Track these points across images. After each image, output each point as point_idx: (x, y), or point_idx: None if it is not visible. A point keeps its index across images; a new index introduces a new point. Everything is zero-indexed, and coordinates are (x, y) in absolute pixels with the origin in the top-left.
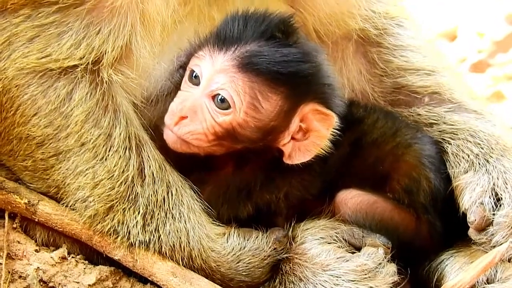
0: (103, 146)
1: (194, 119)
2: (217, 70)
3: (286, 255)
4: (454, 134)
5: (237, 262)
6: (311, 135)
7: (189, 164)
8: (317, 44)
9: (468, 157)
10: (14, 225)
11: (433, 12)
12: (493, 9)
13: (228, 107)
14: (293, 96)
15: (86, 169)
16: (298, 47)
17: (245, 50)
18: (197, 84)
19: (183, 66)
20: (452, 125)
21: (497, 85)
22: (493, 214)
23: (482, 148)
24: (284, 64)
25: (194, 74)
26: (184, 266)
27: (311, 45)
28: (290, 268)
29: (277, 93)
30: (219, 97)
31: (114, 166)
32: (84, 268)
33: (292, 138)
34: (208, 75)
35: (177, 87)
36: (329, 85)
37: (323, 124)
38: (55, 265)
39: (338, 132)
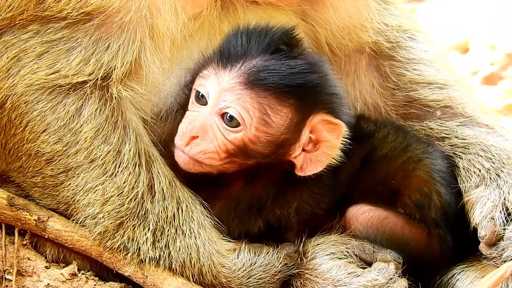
0: (113, 162)
1: (205, 138)
2: (224, 88)
3: (297, 270)
4: (465, 148)
5: (248, 278)
6: (322, 146)
7: (199, 181)
8: (322, 55)
9: (479, 171)
10: (24, 242)
11: (445, 25)
12: (505, 21)
13: (238, 125)
14: (302, 108)
15: (96, 186)
16: (303, 58)
17: (250, 65)
18: (204, 104)
19: (188, 86)
20: (464, 139)
21: (509, 97)
22: (504, 229)
23: (493, 163)
24: (292, 77)
25: (200, 95)
26: (195, 282)
27: (315, 56)
28: (301, 283)
29: (286, 106)
30: (228, 115)
31: (124, 183)
32: (95, 285)
33: (303, 149)
34: (215, 94)
35: (184, 106)
36: (336, 95)
37: (333, 134)
38: (65, 281)
39: (348, 141)
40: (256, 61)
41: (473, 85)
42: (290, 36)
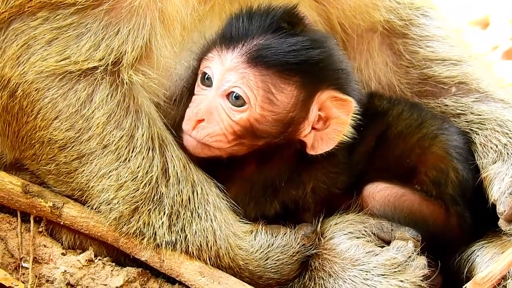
0: (126, 147)
1: (211, 121)
2: (227, 68)
3: (315, 251)
4: (481, 124)
5: (266, 260)
6: (332, 123)
7: (212, 165)
8: (331, 34)
9: (496, 147)
10: (40, 229)
11: (465, 0)
12: None
13: (243, 104)
14: (307, 85)
15: (110, 171)
16: (305, 35)
17: (252, 45)
18: (210, 85)
19: (194, 71)
20: (480, 115)
21: None
22: None
23: (510, 138)
24: (294, 53)
25: (206, 76)
26: (212, 265)
27: (319, 32)
28: (319, 264)
29: (290, 84)
30: (233, 94)
31: (138, 167)
32: (112, 270)
33: (313, 128)
34: (219, 75)
35: (193, 89)
36: (343, 70)
37: (343, 110)
38: (82, 268)
39: (359, 117)
40: (258, 40)
41: (493, 60)
42: (291, 14)
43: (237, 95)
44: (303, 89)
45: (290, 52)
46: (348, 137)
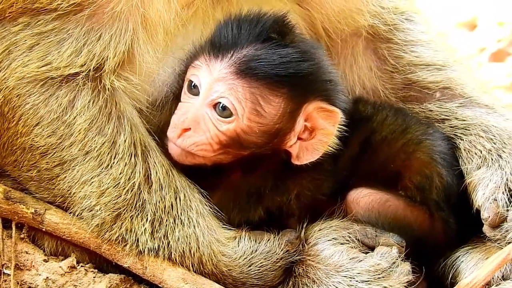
0: (108, 153)
1: (197, 130)
2: (215, 78)
3: (299, 257)
4: (466, 129)
5: (249, 266)
6: (317, 134)
7: (196, 171)
8: (317, 40)
9: (481, 152)
10: (22, 235)
11: (452, 1)
12: None
13: (230, 115)
14: (295, 97)
15: (92, 178)
16: (295, 46)
17: (241, 55)
18: (197, 94)
19: (181, 76)
20: (464, 120)
21: None
22: (507, 210)
23: (494, 143)
24: (283, 66)
25: (192, 84)
26: (195, 272)
27: (308, 42)
28: (303, 270)
29: (278, 96)
30: (220, 105)
31: (120, 174)
32: (94, 277)
33: (299, 138)
34: (207, 85)
35: (178, 95)
36: (331, 81)
37: (329, 121)
38: (64, 274)
39: (345, 128)
40: (247, 50)
41: (480, 62)
42: (281, 23)
43: (224, 105)
44: (291, 101)
45: (280, 64)
46: (333, 148)
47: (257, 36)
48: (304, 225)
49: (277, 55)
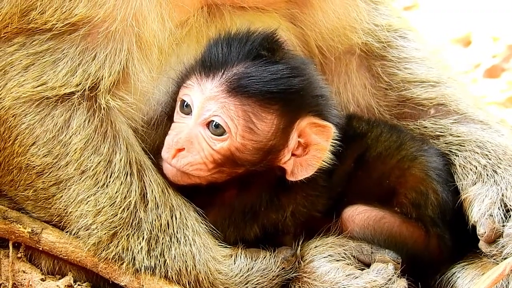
0: (104, 173)
1: (191, 150)
2: (207, 97)
3: (295, 274)
4: (461, 145)
5: (245, 284)
6: (311, 149)
7: (192, 190)
8: (304, 56)
9: (476, 168)
10: (19, 255)
11: (447, 18)
12: (507, 14)
13: (224, 133)
14: (287, 113)
15: (88, 197)
16: (285, 62)
17: (232, 73)
18: (189, 113)
19: (173, 96)
20: (459, 136)
21: (511, 90)
22: (503, 226)
23: (489, 159)
24: (274, 83)
25: (185, 104)
26: None
27: (298, 58)
28: (299, 287)
29: (271, 112)
30: (213, 123)
31: (116, 193)
32: None
33: (293, 154)
34: (199, 103)
35: (172, 115)
36: (322, 96)
37: (322, 136)
38: None
39: (339, 143)
40: (237, 68)
41: (475, 78)
42: (271, 40)
43: (217, 124)
44: (283, 117)
45: (271, 81)
46: (327, 163)
47: (247, 54)
48: (300, 242)
49: (267, 72)
